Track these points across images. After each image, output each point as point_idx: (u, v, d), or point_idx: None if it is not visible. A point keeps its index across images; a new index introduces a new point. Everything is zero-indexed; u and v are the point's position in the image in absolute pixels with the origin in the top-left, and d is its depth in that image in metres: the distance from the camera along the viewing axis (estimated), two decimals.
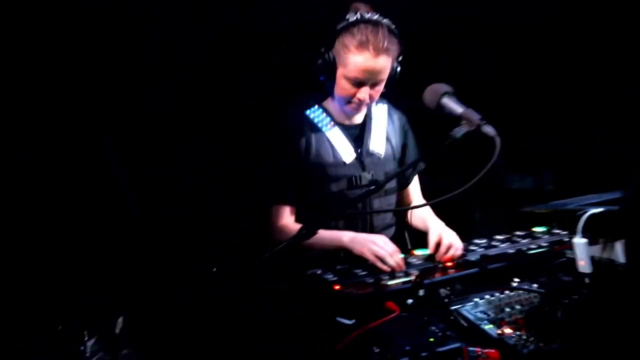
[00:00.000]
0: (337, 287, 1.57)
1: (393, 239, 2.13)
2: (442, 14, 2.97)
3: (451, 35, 3.09)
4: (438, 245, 1.87)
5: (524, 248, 1.85)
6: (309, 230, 1.57)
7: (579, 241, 1.42)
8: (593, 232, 1.45)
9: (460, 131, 1.48)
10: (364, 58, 1.89)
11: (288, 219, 2.05)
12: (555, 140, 3.53)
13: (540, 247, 1.87)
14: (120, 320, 1.92)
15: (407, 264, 1.78)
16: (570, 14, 3.09)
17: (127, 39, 2.46)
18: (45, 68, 2.30)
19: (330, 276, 1.67)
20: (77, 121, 2.35)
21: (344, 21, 1.93)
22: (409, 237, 2.29)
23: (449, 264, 1.79)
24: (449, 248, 1.84)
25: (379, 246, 1.80)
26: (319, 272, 1.71)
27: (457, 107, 1.52)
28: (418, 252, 1.89)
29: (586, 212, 1.41)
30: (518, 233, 2.03)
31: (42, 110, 2.31)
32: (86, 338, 1.81)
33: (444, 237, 1.88)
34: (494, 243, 1.93)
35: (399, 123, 2.23)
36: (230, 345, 1.78)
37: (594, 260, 1.43)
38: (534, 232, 2.05)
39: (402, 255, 1.81)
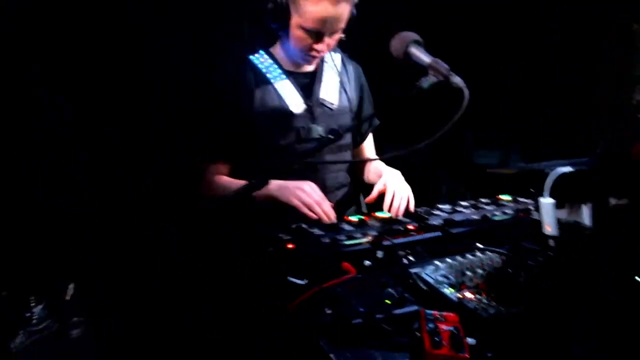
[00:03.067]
0: (290, 246, 1.49)
1: (347, 199, 2.06)
2: None
3: None
4: (390, 196, 1.81)
5: (488, 214, 1.79)
6: (257, 183, 1.47)
7: (546, 201, 1.35)
8: (560, 195, 1.38)
9: (427, 81, 1.39)
10: (322, 6, 1.73)
11: (216, 174, 1.92)
12: (522, 113, 3.50)
13: (504, 213, 1.82)
14: (71, 286, 1.82)
15: (368, 226, 1.69)
16: None
17: None
18: None
19: (283, 235, 1.57)
20: None
21: None
22: (364, 198, 2.20)
23: (411, 227, 1.71)
24: (393, 196, 1.78)
25: (306, 193, 1.70)
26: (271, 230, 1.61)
27: (425, 57, 1.43)
28: (379, 214, 1.80)
29: (554, 171, 1.34)
30: (483, 200, 1.98)
31: None
32: (33, 304, 1.70)
33: (388, 185, 1.81)
34: (458, 209, 1.86)
35: (354, 74, 2.09)
36: (179, 308, 1.69)
37: (559, 223, 1.37)
38: (500, 199, 1.99)
39: (330, 204, 1.74)
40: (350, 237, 1.57)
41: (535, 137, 3.56)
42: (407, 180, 1.92)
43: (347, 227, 1.66)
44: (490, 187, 2.07)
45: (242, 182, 1.84)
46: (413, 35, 1.48)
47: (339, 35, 1.85)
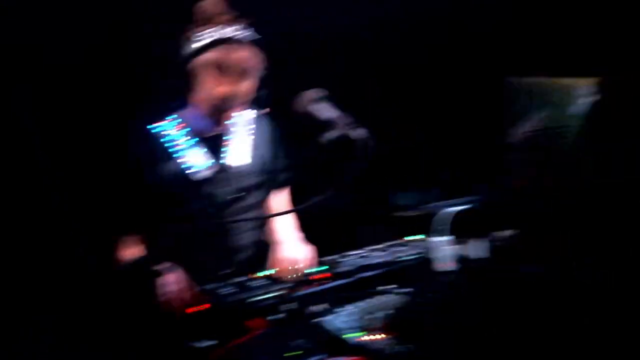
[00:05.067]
0: (198, 309, 1.48)
1: (264, 257, 2.07)
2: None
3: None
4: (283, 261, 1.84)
5: (396, 256, 1.84)
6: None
7: (436, 240, 1.42)
8: (453, 231, 1.45)
9: (331, 135, 1.44)
10: (225, 84, 1.77)
11: (125, 248, 1.86)
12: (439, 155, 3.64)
13: (413, 253, 1.87)
14: None
15: (277, 280, 1.70)
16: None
17: None
18: None
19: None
20: None
21: (197, 39, 1.78)
22: None
23: (319, 275, 1.74)
24: (283, 263, 1.81)
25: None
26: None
27: (328, 112, 1.48)
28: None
29: (441, 211, 1.41)
30: (394, 242, 2.03)
31: None
32: None
33: (281, 251, 1.85)
34: (366, 253, 1.90)
35: (266, 132, 2.10)
36: None
37: (454, 259, 1.43)
38: (409, 240, 2.05)
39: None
40: (258, 294, 1.57)
41: (451, 177, 3.70)
42: (326, 227, 1.95)
43: (255, 283, 1.66)
44: (409, 228, 2.12)
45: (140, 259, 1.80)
46: (316, 93, 1.53)
47: (246, 102, 1.87)
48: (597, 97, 1.57)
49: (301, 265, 1.78)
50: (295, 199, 2.22)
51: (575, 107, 1.61)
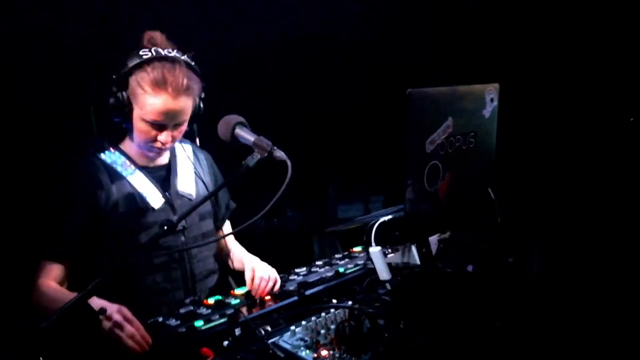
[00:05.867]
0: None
1: (218, 286, 2.07)
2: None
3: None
4: (252, 282, 1.84)
5: (340, 269, 1.89)
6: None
7: (373, 250, 1.47)
8: (386, 240, 1.51)
9: (253, 159, 1.48)
10: (161, 100, 1.76)
11: (49, 279, 1.79)
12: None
13: (356, 265, 1.93)
14: None
15: (225, 305, 1.72)
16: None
17: None
18: None
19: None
20: None
21: (137, 57, 1.78)
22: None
23: (267, 297, 1.77)
24: (261, 281, 1.81)
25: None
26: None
27: (249, 136, 1.53)
28: (238, 290, 1.84)
29: (373, 221, 1.47)
30: (337, 255, 2.08)
31: None
32: None
33: (256, 271, 1.85)
34: (313, 269, 1.94)
35: (206, 162, 2.14)
36: None
37: (391, 267, 1.49)
38: (353, 252, 2.11)
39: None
40: (208, 321, 1.59)
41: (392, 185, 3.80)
42: (279, 246, 1.98)
43: (204, 310, 1.67)
44: (351, 240, 2.18)
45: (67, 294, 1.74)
46: (236, 118, 1.57)
47: (183, 127, 1.88)
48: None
49: (271, 284, 1.81)
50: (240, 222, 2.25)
51: (482, 111, 1.71)
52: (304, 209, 3.72)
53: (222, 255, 2.15)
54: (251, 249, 2.14)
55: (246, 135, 1.55)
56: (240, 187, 1.84)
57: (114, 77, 1.78)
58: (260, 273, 1.83)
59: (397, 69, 3.22)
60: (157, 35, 1.85)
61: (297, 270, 1.96)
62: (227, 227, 2.21)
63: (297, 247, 3.38)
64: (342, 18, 3.35)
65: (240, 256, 2.07)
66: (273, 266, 1.93)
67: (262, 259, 2.00)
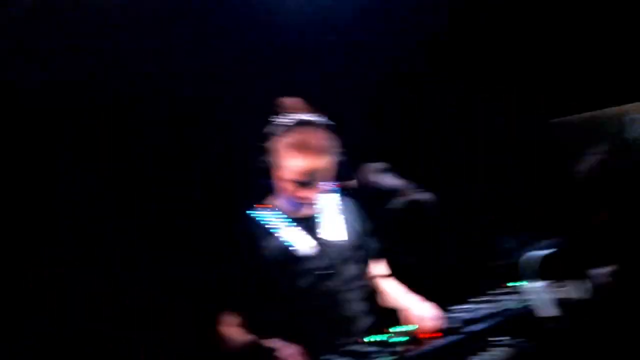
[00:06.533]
0: None
1: (371, 326, 2.11)
2: None
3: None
4: (415, 322, 1.88)
5: (501, 306, 1.86)
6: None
7: (533, 285, 1.44)
8: (547, 274, 1.48)
9: (398, 202, 1.54)
10: (306, 161, 1.93)
11: (233, 327, 2.01)
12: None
13: (515, 302, 1.87)
14: None
15: (387, 344, 1.76)
16: None
17: None
18: None
19: None
20: None
21: (280, 124, 1.98)
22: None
23: (431, 335, 1.79)
24: (424, 322, 1.85)
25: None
26: None
27: (392, 181, 1.59)
28: (396, 329, 1.85)
29: (527, 256, 1.44)
30: (495, 291, 2.04)
31: None
32: None
33: (418, 309, 1.89)
34: (472, 306, 1.93)
35: (351, 208, 2.22)
36: None
37: (555, 303, 1.45)
38: (510, 287, 2.06)
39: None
40: (375, 358, 1.65)
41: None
42: (433, 282, 1.97)
43: (370, 348, 1.73)
44: (509, 275, 2.13)
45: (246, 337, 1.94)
46: (378, 165, 1.65)
47: (328, 181, 2.01)
48: None
49: (434, 323, 1.85)
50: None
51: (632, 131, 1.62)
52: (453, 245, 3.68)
53: (375, 295, 2.21)
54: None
55: (390, 180, 1.61)
56: (387, 228, 1.90)
57: (261, 144, 2.00)
58: (422, 312, 1.87)
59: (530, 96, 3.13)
60: (295, 101, 2.04)
61: (456, 306, 1.97)
62: (377, 267, 2.28)
63: (449, 283, 3.34)
64: None
65: (398, 295, 2.13)
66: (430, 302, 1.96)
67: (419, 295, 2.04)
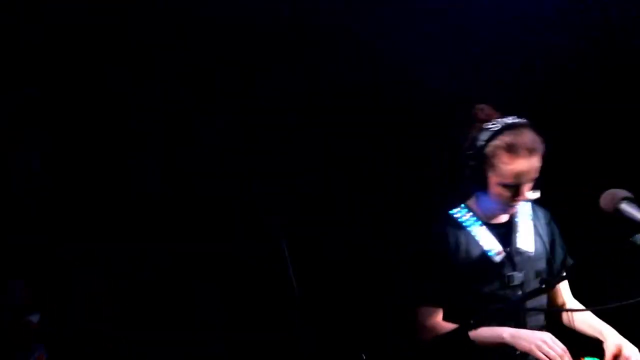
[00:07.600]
0: None
1: None
2: None
3: None
4: (616, 357, 1.84)
5: None
6: (470, 325, 1.61)
7: None
8: None
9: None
10: (517, 164, 1.92)
11: (436, 319, 2.05)
12: None
13: None
14: None
15: None
16: None
17: None
18: None
19: None
20: None
21: (487, 131, 1.98)
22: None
23: None
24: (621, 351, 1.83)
25: (548, 345, 1.77)
26: None
27: (637, 213, 1.51)
28: None
29: None
30: None
31: None
32: None
33: (624, 348, 1.85)
34: None
35: (544, 219, 2.20)
36: None
37: None
38: None
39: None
40: None
41: None
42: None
43: None
44: None
45: (452, 326, 1.96)
46: (623, 193, 1.57)
47: (531, 184, 2.00)
48: None
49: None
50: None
51: None
52: None
53: (555, 310, 2.22)
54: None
55: (634, 211, 1.52)
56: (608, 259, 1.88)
57: (469, 152, 2.00)
58: (628, 352, 1.84)
59: None
60: (488, 107, 2.05)
61: None
62: (564, 283, 2.25)
63: None
64: None
65: (594, 323, 2.08)
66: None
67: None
